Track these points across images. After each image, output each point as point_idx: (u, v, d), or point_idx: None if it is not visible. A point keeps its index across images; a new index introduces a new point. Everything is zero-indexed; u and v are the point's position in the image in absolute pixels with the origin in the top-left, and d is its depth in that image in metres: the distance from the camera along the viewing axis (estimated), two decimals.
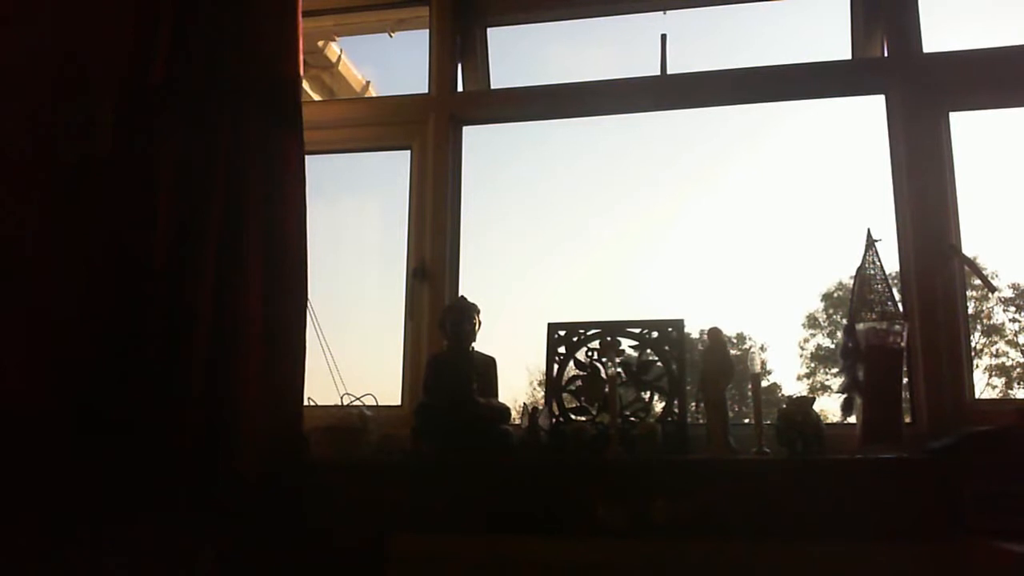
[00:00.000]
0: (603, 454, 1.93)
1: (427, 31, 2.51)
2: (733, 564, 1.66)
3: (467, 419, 2.00)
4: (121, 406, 1.90)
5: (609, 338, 2.10)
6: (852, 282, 2.03)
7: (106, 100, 2.11)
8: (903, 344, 1.89)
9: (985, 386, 6.72)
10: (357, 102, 2.75)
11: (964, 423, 1.86)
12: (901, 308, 1.97)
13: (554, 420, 2.04)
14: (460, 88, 2.49)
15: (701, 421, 2.02)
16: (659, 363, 2.05)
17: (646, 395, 2.05)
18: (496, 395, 2.13)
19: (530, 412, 2.03)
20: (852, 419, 1.93)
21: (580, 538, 1.78)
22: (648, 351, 2.07)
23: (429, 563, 1.78)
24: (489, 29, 2.56)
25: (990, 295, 6.25)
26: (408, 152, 2.46)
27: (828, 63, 2.27)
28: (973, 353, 2.12)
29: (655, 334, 2.07)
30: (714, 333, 2.04)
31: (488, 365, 2.14)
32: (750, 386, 2.00)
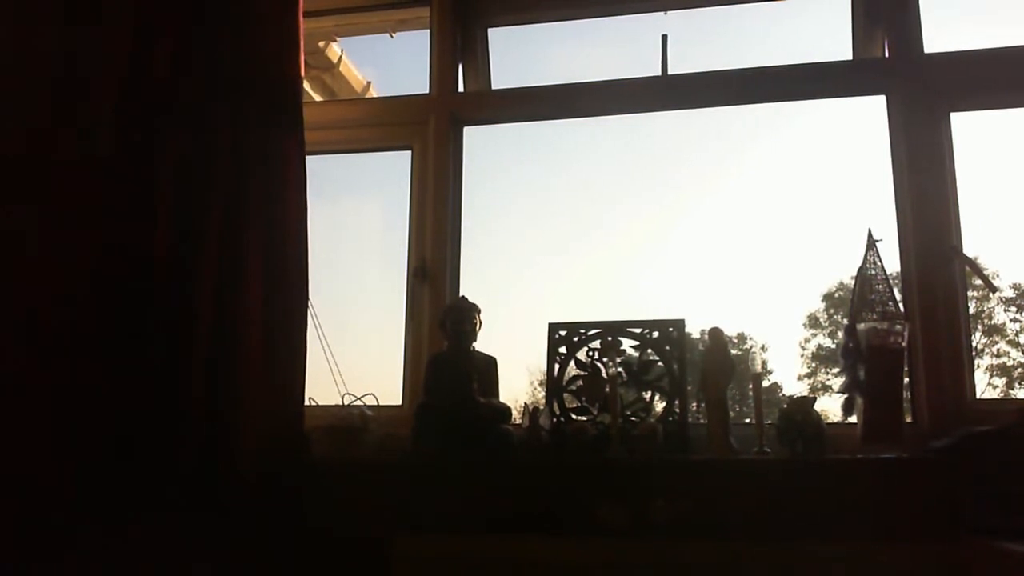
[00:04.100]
0: (604, 454, 1.93)
1: (428, 31, 2.51)
2: (733, 564, 1.66)
3: (468, 419, 2.00)
4: (121, 406, 1.90)
5: (610, 338, 2.10)
6: (853, 282, 2.03)
7: (106, 100, 2.11)
8: (904, 344, 1.89)
9: (986, 386, 6.73)
10: (358, 102, 2.75)
11: (965, 423, 1.86)
12: (902, 308, 1.97)
13: (555, 420, 2.04)
14: (461, 88, 2.49)
15: (702, 421, 2.02)
16: (660, 363, 2.05)
17: (647, 395, 2.05)
18: (497, 395, 2.12)
19: (531, 412, 2.03)
20: (853, 419, 1.93)
21: (580, 538, 1.78)
22: (649, 351, 2.07)
23: (430, 563, 1.78)
24: (490, 29, 2.56)
25: (991, 295, 6.25)
26: (409, 152, 2.46)
27: (829, 63, 2.27)
28: (974, 353, 2.12)
29: (656, 334, 2.07)
30: (715, 333, 2.03)
31: (489, 365, 2.14)
32: (751, 386, 2.00)
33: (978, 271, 2.12)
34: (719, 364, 1.99)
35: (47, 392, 1.95)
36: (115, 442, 1.89)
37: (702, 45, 2.68)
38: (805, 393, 6.00)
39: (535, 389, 3.25)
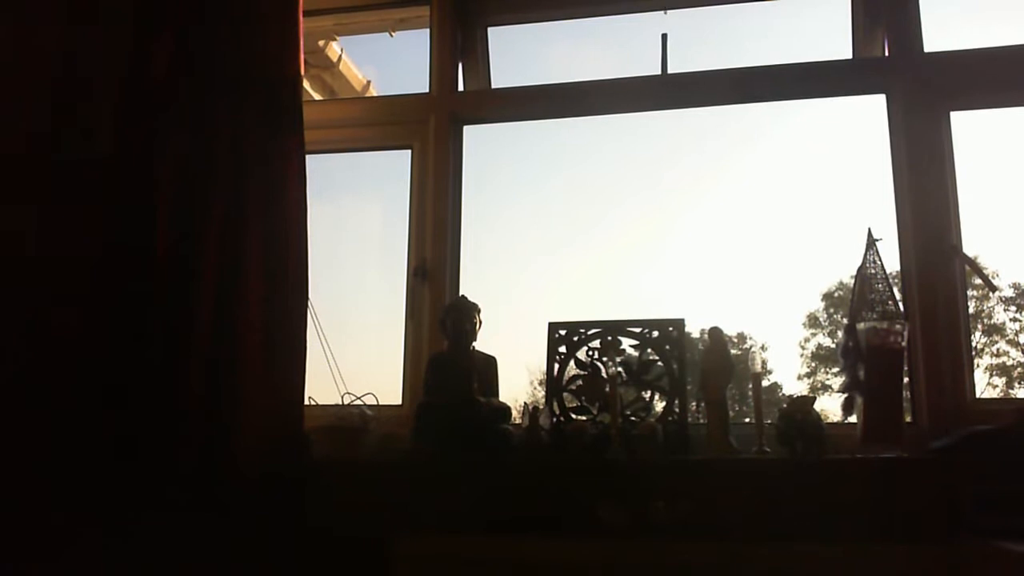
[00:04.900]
0: (604, 454, 1.93)
1: (428, 30, 2.51)
2: (733, 564, 1.66)
3: (468, 418, 2.00)
4: (122, 407, 1.90)
5: (610, 337, 2.10)
6: (853, 281, 2.03)
7: (106, 100, 2.11)
8: (904, 344, 1.89)
9: (986, 386, 6.74)
10: (358, 102, 2.75)
11: (964, 423, 1.86)
12: (902, 308, 1.97)
13: (555, 420, 2.04)
14: (461, 87, 2.49)
15: (702, 421, 2.02)
16: (660, 363, 2.05)
17: (647, 395, 2.05)
18: (497, 394, 2.13)
19: (531, 412, 2.03)
20: (853, 419, 1.93)
21: (580, 538, 1.78)
22: (649, 351, 2.07)
23: (429, 563, 1.78)
24: (490, 28, 2.55)
25: (991, 295, 6.26)
26: (409, 152, 2.46)
27: (829, 62, 2.27)
28: (974, 353, 2.12)
29: (656, 334, 2.07)
30: (715, 333, 2.03)
31: (489, 364, 2.14)
32: (750, 386, 2.00)
33: (978, 270, 2.12)
34: (719, 364, 1.99)
35: (47, 391, 1.96)
36: (115, 442, 1.89)
37: (702, 44, 2.68)
38: (805, 393, 6.02)
39: (535, 389, 3.26)
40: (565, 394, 2.09)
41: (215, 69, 2.12)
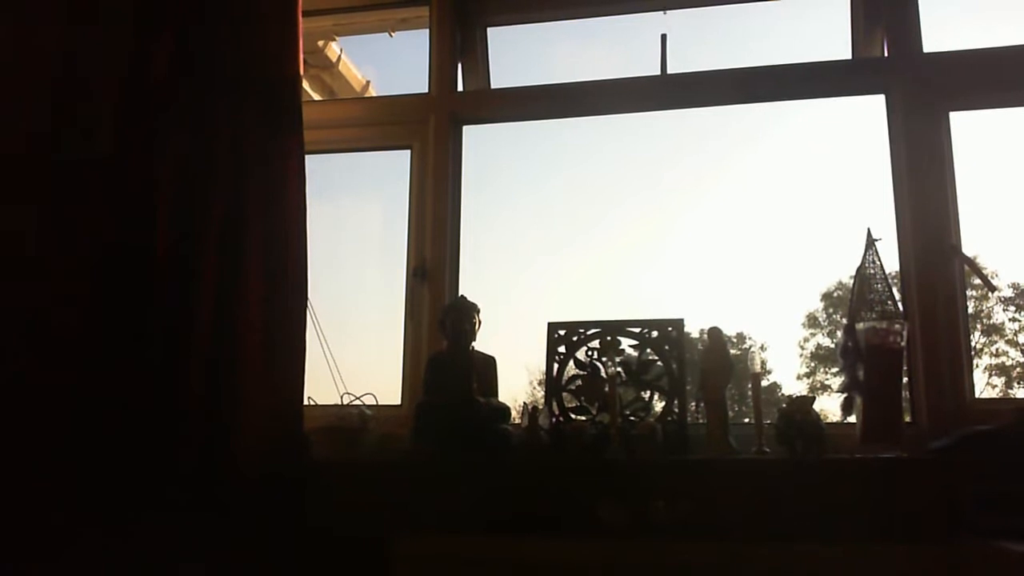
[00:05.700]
0: (603, 454, 1.93)
1: (427, 31, 2.51)
2: (733, 564, 1.66)
3: (467, 418, 2.00)
4: (121, 407, 1.90)
5: (609, 338, 2.10)
6: (852, 281, 2.03)
7: (106, 100, 2.11)
8: (903, 344, 1.89)
9: (985, 386, 6.74)
10: (357, 102, 2.75)
11: (964, 423, 1.86)
12: (901, 308, 1.97)
13: (554, 420, 2.04)
14: (460, 88, 2.49)
15: (701, 421, 2.02)
16: (659, 363, 2.05)
17: (646, 395, 2.05)
18: (496, 394, 2.13)
19: (530, 412, 2.03)
20: (852, 419, 1.93)
21: (580, 538, 1.78)
22: (648, 351, 2.07)
23: (429, 563, 1.78)
24: (489, 28, 2.55)
25: (990, 295, 6.27)
26: (408, 152, 2.46)
27: (828, 63, 2.27)
28: (973, 353, 2.12)
29: (655, 334, 2.07)
30: (714, 333, 2.04)
31: (488, 364, 2.14)
32: (750, 386, 2.00)
33: (977, 270, 2.12)
34: (718, 364, 1.99)
35: (47, 392, 1.96)
36: (115, 442, 1.89)
37: (701, 44, 2.68)
38: (804, 393, 6.02)
39: (534, 389, 3.26)
40: (564, 394, 2.09)
41: (215, 69, 2.12)
